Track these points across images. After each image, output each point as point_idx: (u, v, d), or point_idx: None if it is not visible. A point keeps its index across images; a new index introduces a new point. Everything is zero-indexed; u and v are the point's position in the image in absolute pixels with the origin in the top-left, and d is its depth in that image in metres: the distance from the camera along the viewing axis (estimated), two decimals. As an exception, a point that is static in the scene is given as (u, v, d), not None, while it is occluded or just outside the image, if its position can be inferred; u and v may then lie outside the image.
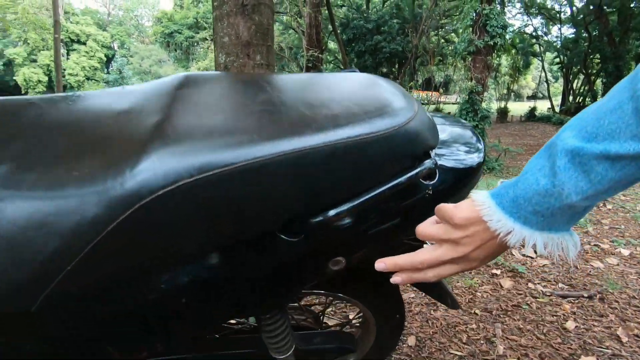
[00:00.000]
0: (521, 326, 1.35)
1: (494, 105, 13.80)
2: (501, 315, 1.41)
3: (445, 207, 0.39)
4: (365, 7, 17.64)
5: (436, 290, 0.73)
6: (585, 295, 1.53)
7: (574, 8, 15.15)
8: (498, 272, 1.75)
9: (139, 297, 0.43)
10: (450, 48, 17.73)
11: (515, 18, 16.83)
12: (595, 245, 2.08)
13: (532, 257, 1.92)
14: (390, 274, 0.42)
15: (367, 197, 0.43)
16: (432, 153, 0.50)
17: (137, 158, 0.38)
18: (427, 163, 0.46)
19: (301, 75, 0.62)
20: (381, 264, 0.41)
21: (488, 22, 8.93)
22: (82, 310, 0.43)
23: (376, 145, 0.43)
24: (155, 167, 0.37)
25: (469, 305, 1.49)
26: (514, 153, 9.16)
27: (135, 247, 0.38)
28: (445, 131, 0.59)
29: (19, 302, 0.39)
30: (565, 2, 15.71)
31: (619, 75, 12.18)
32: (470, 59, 9.51)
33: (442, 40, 17.82)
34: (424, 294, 1.50)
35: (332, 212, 0.43)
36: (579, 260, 1.90)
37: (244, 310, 0.52)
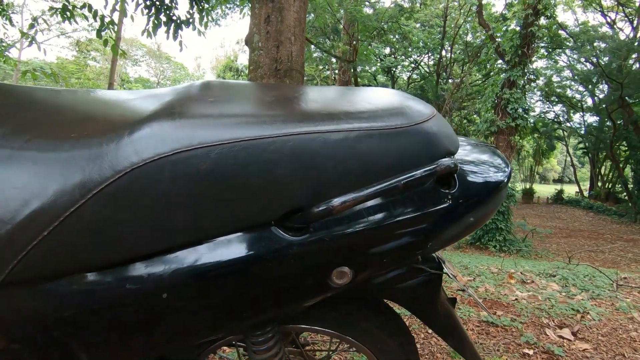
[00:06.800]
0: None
1: (519, 186, 13.62)
2: (536, 403, 1.20)
3: None
4: (391, 87, 18.88)
5: (457, 339, 0.63)
6: (639, 389, 1.30)
7: (596, 98, 15.55)
8: (530, 352, 1.53)
9: (115, 286, 0.39)
10: (472, 128, 18.27)
11: (535, 105, 17.33)
12: (643, 333, 1.82)
13: (569, 340, 1.69)
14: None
15: (377, 187, 0.40)
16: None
17: (138, 124, 0.37)
18: (446, 161, 0.42)
19: (319, 87, 0.63)
20: None
21: (509, 104, 9.25)
22: (50, 295, 0.38)
23: (389, 139, 0.41)
24: (154, 133, 0.36)
25: (497, 387, 1.28)
26: (542, 235, 8.75)
27: (121, 217, 0.35)
28: (469, 149, 0.56)
29: None
30: (586, 92, 16.19)
31: (649, 163, 11.92)
32: (492, 138, 9.68)
33: (465, 120, 18.45)
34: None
35: (337, 201, 0.39)
36: (626, 349, 1.65)
37: (229, 322, 0.45)
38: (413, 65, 19.21)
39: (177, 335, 0.43)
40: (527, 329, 1.77)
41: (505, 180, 0.50)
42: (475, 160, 0.52)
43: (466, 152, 0.54)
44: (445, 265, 0.54)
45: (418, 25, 16.67)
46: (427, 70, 19.03)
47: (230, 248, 0.39)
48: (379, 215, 0.42)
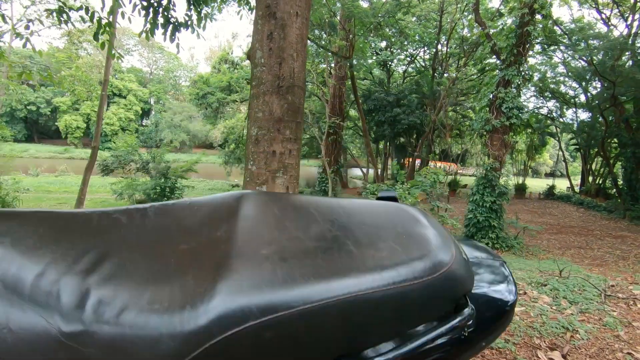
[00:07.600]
0: None
1: (512, 182, 13.84)
2: None
3: None
4: (386, 81, 18.85)
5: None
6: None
7: (589, 95, 15.72)
8: (523, 377, 1.64)
9: None
10: (467, 124, 18.35)
11: (529, 101, 17.46)
12: (628, 353, 1.94)
13: (559, 362, 1.80)
14: None
15: (414, 343, 0.47)
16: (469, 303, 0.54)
17: (209, 294, 0.43)
18: (467, 312, 0.50)
19: (344, 202, 0.69)
20: None
21: (504, 103, 9.32)
22: None
23: (419, 291, 0.48)
24: (226, 306, 0.42)
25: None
26: (534, 231, 8.94)
27: None
28: (478, 268, 0.63)
29: None
30: (579, 89, 16.35)
31: (638, 162, 12.13)
32: (487, 136, 9.78)
33: (459, 116, 18.52)
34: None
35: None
36: (611, 371, 1.77)
37: None
38: (409, 59, 19.17)
39: None
40: (520, 351, 1.88)
41: (514, 300, 0.58)
42: (487, 283, 0.60)
43: (478, 274, 0.61)
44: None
45: (414, 19, 16.60)
46: (423, 65, 19.01)
47: None
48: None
